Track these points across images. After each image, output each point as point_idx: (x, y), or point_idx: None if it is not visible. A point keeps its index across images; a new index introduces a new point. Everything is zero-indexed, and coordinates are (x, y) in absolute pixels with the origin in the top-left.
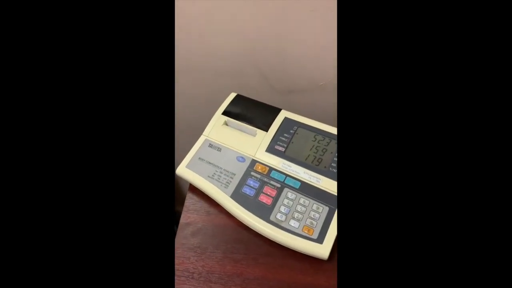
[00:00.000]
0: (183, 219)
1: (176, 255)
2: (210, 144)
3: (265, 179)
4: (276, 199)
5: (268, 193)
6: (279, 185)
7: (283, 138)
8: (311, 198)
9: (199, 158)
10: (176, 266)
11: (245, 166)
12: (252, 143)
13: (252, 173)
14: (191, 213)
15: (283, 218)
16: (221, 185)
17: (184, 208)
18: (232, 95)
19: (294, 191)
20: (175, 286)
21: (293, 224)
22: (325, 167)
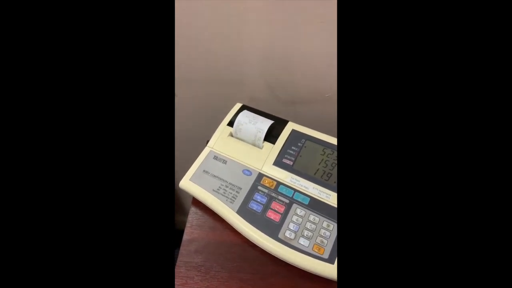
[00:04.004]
0: (186, 235)
1: (179, 274)
2: (215, 156)
3: (273, 194)
4: (284, 215)
5: (276, 209)
6: (287, 201)
7: (291, 151)
8: (320, 215)
9: (204, 171)
10: (179, 287)
11: (251, 179)
12: (259, 156)
13: (259, 187)
14: (194, 229)
15: (292, 236)
16: (226, 200)
17: (187, 223)
18: (238, 106)
19: (303, 207)
20: None
21: (303, 242)
22: (334, 182)
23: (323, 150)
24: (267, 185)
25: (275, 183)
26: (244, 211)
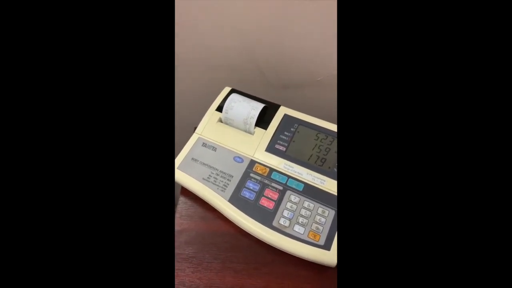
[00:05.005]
0: (176, 226)
1: None
2: (204, 143)
3: (266, 181)
4: (278, 202)
5: (270, 196)
6: (281, 188)
7: (283, 137)
8: (315, 201)
9: (192, 159)
10: None
11: (243, 167)
12: (250, 142)
13: (252, 174)
14: (184, 219)
15: (287, 223)
16: (217, 188)
17: (177, 214)
18: (227, 90)
19: (298, 193)
20: None
21: (298, 229)
22: (329, 167)
23: (316, 135)
24: (259, 172)
25: (268, 170)
26: (236, 199)
